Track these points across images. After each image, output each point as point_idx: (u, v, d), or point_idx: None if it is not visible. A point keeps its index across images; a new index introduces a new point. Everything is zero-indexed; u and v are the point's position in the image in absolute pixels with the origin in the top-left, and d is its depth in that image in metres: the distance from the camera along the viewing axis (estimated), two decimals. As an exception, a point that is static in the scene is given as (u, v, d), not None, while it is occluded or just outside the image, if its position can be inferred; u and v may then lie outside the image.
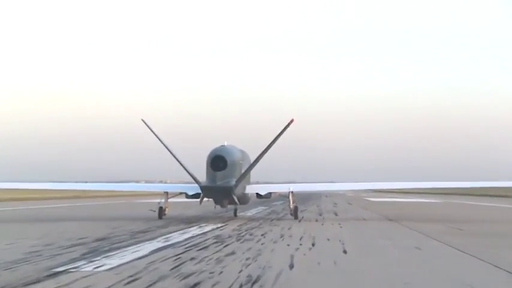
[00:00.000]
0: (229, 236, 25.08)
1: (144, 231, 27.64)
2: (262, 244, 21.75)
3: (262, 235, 26.19)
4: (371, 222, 36.95)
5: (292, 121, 34.37)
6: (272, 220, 37.73)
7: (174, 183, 50.13)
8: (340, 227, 32.16)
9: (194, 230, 28.47)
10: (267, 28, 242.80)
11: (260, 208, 55.36)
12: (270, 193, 40.51)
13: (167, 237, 24.31)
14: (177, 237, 24.55)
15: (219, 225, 32.40)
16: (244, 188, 37.96)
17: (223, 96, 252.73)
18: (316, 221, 37.64)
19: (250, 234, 26.53)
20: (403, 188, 67.76)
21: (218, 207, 38.89)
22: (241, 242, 22.45)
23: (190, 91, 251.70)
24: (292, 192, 39.24)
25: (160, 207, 38.21)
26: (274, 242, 22.61)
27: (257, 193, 39.85)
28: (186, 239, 23.55)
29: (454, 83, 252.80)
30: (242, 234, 26.44)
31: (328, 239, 24.18)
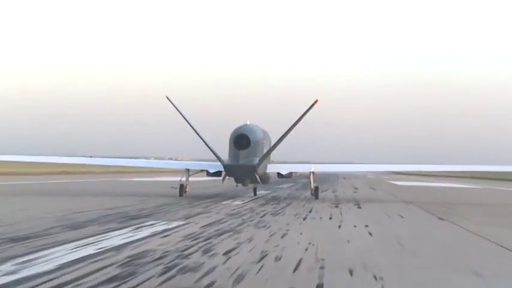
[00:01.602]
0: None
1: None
2: None
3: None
4: (415, 222, 25.24)
5: (316, 101, 35.01)
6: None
7: (185, 160, 51.12)
8: (370, 234, 20.29)
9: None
10: (291, 8, 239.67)
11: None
12: (291, 173, 41.60)
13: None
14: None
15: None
16: (266, 167, 38.63)
17: (245, 75, 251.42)
18: (330, 218, 25.97)
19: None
20: (429, 171, 68.96)
21: (239, 185, 39.21)
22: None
23: (211, 70, 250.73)
24: (313, 172, 39.86)
25: (181, 185, 38.35)
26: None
27: (278, 172, 40.56)
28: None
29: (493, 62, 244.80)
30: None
31: (351, 272, 12.51)
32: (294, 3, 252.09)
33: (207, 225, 21.43)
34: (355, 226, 22.33)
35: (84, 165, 62.17)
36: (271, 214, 26.94)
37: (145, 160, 54.76)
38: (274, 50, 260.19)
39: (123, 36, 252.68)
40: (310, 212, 28.88)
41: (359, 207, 32.83)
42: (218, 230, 19.93)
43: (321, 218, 25.79)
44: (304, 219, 24.98)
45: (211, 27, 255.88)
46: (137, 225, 20.71)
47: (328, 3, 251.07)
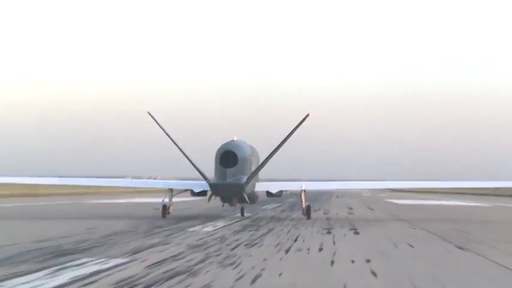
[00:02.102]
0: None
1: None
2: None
3: None
4: (429, 253, 20.09)
5: (308, 115, 34.79)
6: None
7: (166, 179, 48.79)
8: (374, 274, 14.79)
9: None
10: (278, 21, 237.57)
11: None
12: (281, 191, 39.91)
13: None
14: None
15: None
16: (254, 186, 37.16)
17: (230, 90, 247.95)
18: (320, 250, 20.67)
19: None
20: (429, 187, 66.65)
21: (226, 205, 37.64)
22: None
23: (195, 84, 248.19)
24: (304, 190, 38.36)
25: (164, 205, 37.19)
26: None
27: (267, 191, 39.08)
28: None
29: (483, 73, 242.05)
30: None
31: None
32: (284, 14, 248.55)
33: (156, 263, 16.37)
34: (352, 261, 17.20)
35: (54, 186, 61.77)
36: (246, 245, 21.72)
37: (121, 180, 51.96)
38: (262, 60, 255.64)
39: (99, 45, 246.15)
40: (295, 240, 23.68)
41: (356, 233, 27.73)
42: (168, 271, 15.02)
43: (308, 249, 20.54)
44: (287, 251, 19.79)
45: (192, 37, 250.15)
46: (60, 266, 15.69)
47: (320, 14, 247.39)
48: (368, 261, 17.15)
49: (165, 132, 36.40)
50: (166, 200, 37.78)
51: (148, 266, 15.73)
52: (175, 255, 18.16)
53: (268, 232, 27.51)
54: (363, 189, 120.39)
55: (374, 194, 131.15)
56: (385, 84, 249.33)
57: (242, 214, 38.86)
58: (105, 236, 24.27)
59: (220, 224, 32.53)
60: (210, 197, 36.52)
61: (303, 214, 37.42)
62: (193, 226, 30.43)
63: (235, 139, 36.98)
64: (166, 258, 17.38)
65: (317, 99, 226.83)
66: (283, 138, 35.19)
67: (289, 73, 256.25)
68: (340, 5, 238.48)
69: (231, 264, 16.37)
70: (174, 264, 16.14)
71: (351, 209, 55.87)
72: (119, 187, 79.17)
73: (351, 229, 30.05)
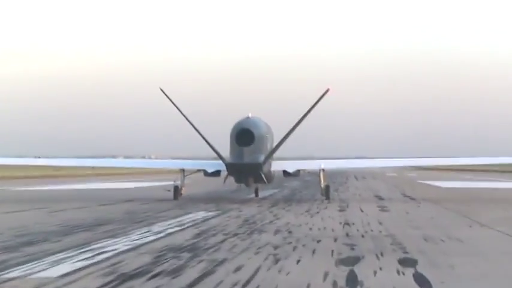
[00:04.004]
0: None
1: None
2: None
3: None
4: None
5: (328, 90, 34.56)
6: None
7: (164, 159, 55.03)
8: None
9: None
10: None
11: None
12: (298, 170, 39.71)
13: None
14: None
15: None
16: (270, 165, 36.47)
17: (244, 65, 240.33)
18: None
19: None
20: (463, 164, 58.72)
21: (242, 185, 37.75)
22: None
23: (208, 59, 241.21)
24: (323, 169, 37.86)
25: (176, 187, 37.14)
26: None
27: (284, 170, 38.71)
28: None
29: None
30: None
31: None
32: None
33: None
34: None
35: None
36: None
37: (134, 160, 57.42)
38: (275, 38, 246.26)
39: (115, 19, 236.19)
40: None
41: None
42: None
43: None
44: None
45: (209, 16, 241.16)
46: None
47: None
48: None
49: (178, 109, 35.73)
50: (178, 180, 37.70)
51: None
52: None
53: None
54: (387, 167, 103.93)
55: (400, 173, 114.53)
56: (408, 56, 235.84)
57: (256, 195, 38.74)
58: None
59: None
60: (226, 177, 36.64)
61: (322, 194, 37.28)
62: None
63: (250, 116, 35.87)
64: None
65: (335, 74, 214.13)
66: (302, 115, 34.78)
67: (305, 46, 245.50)
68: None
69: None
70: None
71: (380, 198, 39.10)
72: (126, 167, 75.68)
73: (403, 264, 13.18)
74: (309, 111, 34.75)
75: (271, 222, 23.07)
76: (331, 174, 78.56)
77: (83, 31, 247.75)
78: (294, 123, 35.12)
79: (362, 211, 28.40)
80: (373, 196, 41.71)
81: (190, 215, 25.43)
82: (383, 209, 30.16)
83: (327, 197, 36.34)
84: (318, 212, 27.50)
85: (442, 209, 29.44)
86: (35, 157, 57.62)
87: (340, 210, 28.91)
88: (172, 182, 38.58)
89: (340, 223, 22.78)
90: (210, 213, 26.38)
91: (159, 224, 22.21)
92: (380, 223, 22.62)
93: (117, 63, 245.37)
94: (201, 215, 25.80)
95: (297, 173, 40.00)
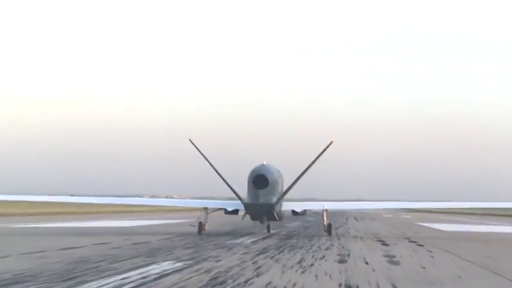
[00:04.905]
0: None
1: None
2: None
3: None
4: None
5: (331, 143, 35.88)
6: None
7: (184, 198, 61.84)
8: None
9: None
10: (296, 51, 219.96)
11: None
12: (305, 210, 41.25)
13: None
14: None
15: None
16: (281, 205, 37.95)
17: (258, 118, 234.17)
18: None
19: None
20: (455, 207, 63.42)
21: (256, 223, 38.64)
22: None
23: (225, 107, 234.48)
24: (326, 210, 39.18)
25: (200, 223, 38.04)
26: None
27: (293, 210, 40.11)
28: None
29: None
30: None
31: None
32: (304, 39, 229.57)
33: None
34: None
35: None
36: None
37: (160, 199, 59.92)
38: (281, 92, 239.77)
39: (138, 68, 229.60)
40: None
41: None
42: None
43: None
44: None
45: (222, 65, 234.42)
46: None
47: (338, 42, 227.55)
48: None
49: (205, 158, 37.14)
50: (202, 217, 38.69)
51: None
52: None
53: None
54: (383, 209, 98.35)
55: (396, 215, 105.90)
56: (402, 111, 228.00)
57: (268, 230, 39.89)
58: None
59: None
60: (244, 215, 37.94)
61: (325, 231, 38.44)
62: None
63: (265, 163, 37.12)
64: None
65: (337, 126, 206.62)
66: (308, 165, 36.42)
67: (312, 103, 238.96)
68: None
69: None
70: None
71: (383, 244, 30.58)
72: (154, 206, 77.20)
73: None
74: (313, 161, 36.39)
75: (247, 282, 14.36)
76: (332, 215, 69.75)
77: (120, 80, 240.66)
78: (301, 171, 36.70)
79: (367, 263, 19.86)
80: (376, 241, 33.39)
81: (148, 268, 16.87)
82: (391, 259, 21.95)
83: (329, 233, 37.83)
84: (312, 265, 18.85)
85: (463, 262, 21.14)
86: (71, 195, 58.67)
87: (340, 262, 20.29)
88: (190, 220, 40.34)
89: (340, 286, 14.03)
90: (177, 265, 17.94)
91: (94, 283, 13.56)
92: (393, 286, 13.96)
93: (147, 110, 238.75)
94: (163, 266, 17.31)
95: (303, 212, 41.56)
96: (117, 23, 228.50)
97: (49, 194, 51.82)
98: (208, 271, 16.97)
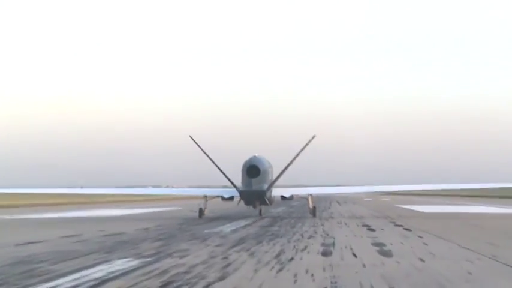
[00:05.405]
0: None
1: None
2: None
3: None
4: None
5: (314, 137, 37.97)
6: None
7: (182, 187, 57.89)
8: None
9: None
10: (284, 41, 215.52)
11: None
12: (292, 195, 42.55)
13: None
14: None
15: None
16: (272, 192, 40.11)
17: (249, 112, 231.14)
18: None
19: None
20: (429, 189, 54.24)
21: (249, 207, 40.71)
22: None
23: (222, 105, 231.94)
24: (311, 195, 41.70)
25: (200, 208, 40.56)
26: None
27: (282, 195, 42.19)
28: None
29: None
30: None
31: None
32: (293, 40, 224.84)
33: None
34: None
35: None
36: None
37: (163, 189, 62.62)
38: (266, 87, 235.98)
39: (134, 65, 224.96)
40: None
41: None
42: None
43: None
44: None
45: (216, 61, 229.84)
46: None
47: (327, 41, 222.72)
48: None
49: (205, 154, 38.91)
50: (202, 204, 40.80)
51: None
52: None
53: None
54: (364, 193, 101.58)
55: (375, 198, 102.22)
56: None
57: (260, 214, 41.96)
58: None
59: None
60: (239, 201, 39.98)
61: (310, 213, 40.79)
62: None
63: (256, 155, 39.03)
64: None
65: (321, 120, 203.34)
66: (293, 156, 38.08)
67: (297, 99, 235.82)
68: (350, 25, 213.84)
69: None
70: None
71: (369, 229, 26.61)
72: (157, 195, 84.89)
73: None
74: (299, 153, 38.16)
75: (208, 286, 10.02)
76: (316, 199, 66.52)
77: (127, 84, 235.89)
78: (289, 162, 38.39)
79: (355, 255, 15.69)
80: (361, 226, 29.43)
81: (92, 270, 12.69)
82: (382, 249, 18.11)
83: (314, 215, 39.80)
84: (292, 259, 14.62)
85: (464, 252, 16.91)
86: (81, 187, 57.94)
87: (324, 254, 16.18)
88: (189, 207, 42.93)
89: (325, 289, 10.14)
90: (131, 264, 13.73)
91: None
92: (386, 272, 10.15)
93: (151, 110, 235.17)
94: (113, 267, 13.17)
95: (291, 197, 42.76)
96: (118, 23, 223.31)
97: (61, 187, 54.44)
98: (163, 272, 12.94)
